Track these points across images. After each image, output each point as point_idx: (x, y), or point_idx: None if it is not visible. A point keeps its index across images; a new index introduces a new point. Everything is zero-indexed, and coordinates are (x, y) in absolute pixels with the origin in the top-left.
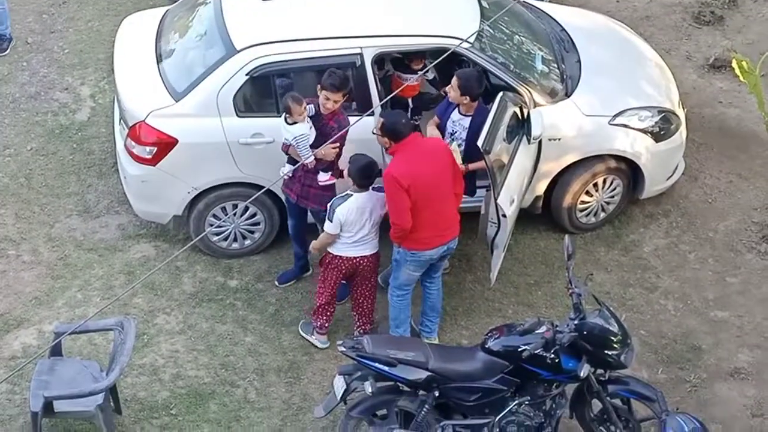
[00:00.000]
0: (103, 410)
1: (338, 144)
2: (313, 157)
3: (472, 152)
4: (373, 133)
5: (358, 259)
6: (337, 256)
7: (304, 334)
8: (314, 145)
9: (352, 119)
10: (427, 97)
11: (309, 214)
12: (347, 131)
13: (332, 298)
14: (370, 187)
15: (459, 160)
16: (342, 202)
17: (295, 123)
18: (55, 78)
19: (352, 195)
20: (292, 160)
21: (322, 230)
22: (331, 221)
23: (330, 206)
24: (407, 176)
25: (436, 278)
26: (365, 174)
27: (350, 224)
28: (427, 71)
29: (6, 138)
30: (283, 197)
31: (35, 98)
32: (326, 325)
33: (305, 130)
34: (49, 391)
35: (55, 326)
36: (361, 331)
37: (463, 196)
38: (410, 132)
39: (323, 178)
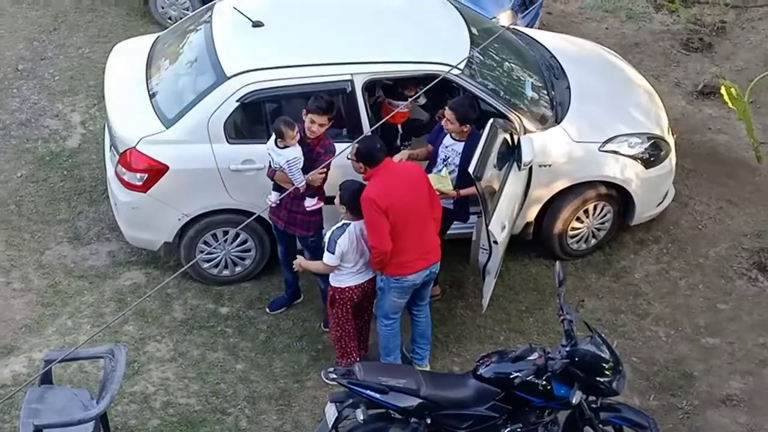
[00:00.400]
0: None
1: (325, 170)
2: (304, 181)
3: (465, 177)
4: (348, 159)
5: (364, 285)
6: (347, 288)
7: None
8: (304, 172)
9: (342, 145)
10: (418, 123)
11: (296, 240)
12: (333, 156)
13: (353, 332)
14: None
15: (450, 186)
16: (342, 233)
17: (287, 147)
18: (46, 105)
19: (350, 224)
20: (278, 187)
21: (309, 257)
22: (333, 253)
23: (330, 238)
24: (384, 198)
25: (423, 306)
26: (358, 199)
27: (352, 253)
28: (417, 98)
29: None
30: (271, 224)
31: (26, 125)
32: (357, 359)
33: (298, 153)
34: (39, 419)
35: (46, 354)
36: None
37: (456, 222)
38: (384, 157)
39: (310, 203)
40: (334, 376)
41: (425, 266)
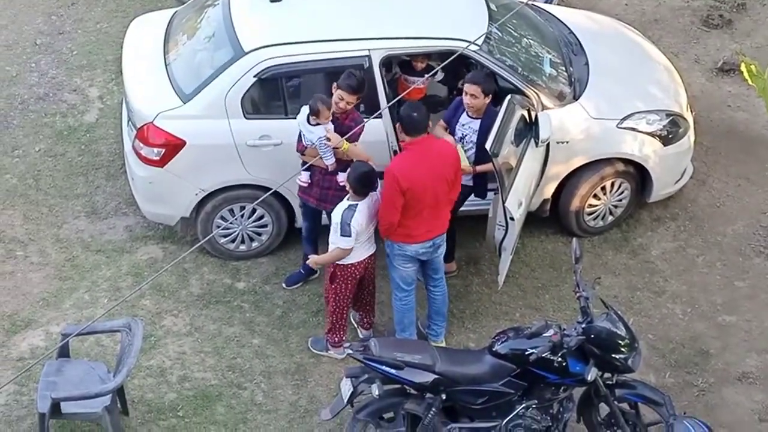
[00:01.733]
0: (110, 412)
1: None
2: (333, 159)
3: (482, 154)
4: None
5: (366, 260)
6: (350, 264)
7: (318, 352)
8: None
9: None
10: (435, 99)
11: (323, 216)
12: (363, 127)
13: (347, 309)
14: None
15: (466, 162)
16: (353, 214)
17: (318, 124)
18: (64, 79)
19: (357, 204)
20: (308, 167)
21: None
22: (349, 236)
23: (341, 221)
24: (407, 178)
25: (439, 281)
26: (364, 182)
27: (365, 228)
28: (434, 74)
29: (15, 139)
30: (297, 202)
31: (44, 99)
32: (343, 338)
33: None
34: (57, 392)
35: (63, 327)
36: (368, 326)
37: (472, 198)
38: (423, 130)
39: (342, 178)
40: (350, 351)
41: (428, 238)
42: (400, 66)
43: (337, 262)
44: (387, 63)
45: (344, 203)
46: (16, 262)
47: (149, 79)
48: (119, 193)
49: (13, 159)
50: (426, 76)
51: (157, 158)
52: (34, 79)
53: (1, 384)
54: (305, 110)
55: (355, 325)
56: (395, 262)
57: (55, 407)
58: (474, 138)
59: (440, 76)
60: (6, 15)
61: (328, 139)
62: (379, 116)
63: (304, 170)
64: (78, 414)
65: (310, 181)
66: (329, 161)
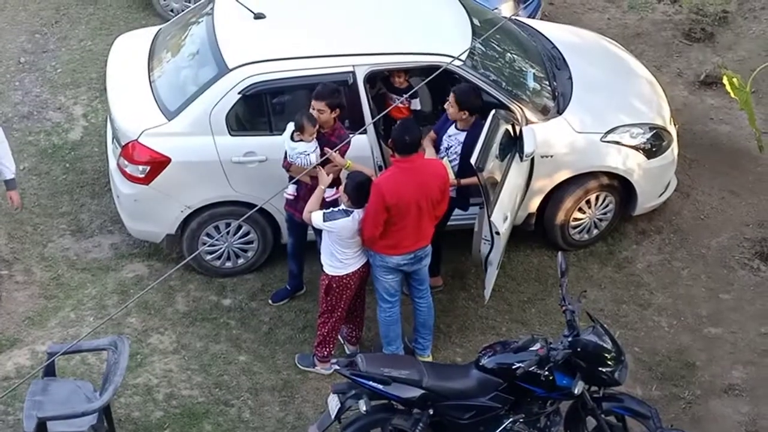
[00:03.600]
0: (97, 430)
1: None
2: (329, 180)
3: (466, 167)
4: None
5: (360, 269)
6: (346, 275)
7: (305, 368)
8: (321, 164)
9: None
10: (420, 114)
11: (308, 231)
12: (349, 143)
13: (339, 324)
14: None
15: (452, 175)
16: (342, 217)
17: (301, 141)
18: (48, 97)
19: (353, 211)
20: (295, 180)
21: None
22: (325, 222)
23: (330, 212)
24: (394, 195)
25: (425, 293)
26: (362, 191)
27: (351, 239)
28: (413, 92)
29: None
30: (284, 217)
31: (28, 118)
32: (332, 352)
33: (308, 148)
34: (43, 411)
35: (48, 346)
36: (355, 341)
37: (456, 210)
38: (415, 151)
39: (329, 193)
40: (337, 367)
41: (411, 250)
42: (383, 82)
43: (332, 274)
44: (372, 79)
45: (341, 206)
46: (0, 281)
47: (134, 97)
48: (104, 211)
49: None
50: (404, 96)
51: (143, 176)
52: (18, 97)
53: None
54: (290, 127)
55: (342, 341)
56: (377, 273)
57: (41, 427)
58: (458, 149)
59: (417, 103)
60: None
61: (321, 153)
62: (364, 132)
63: (291, 183)
64: None
65: (296, 194)
66: (325, 184)
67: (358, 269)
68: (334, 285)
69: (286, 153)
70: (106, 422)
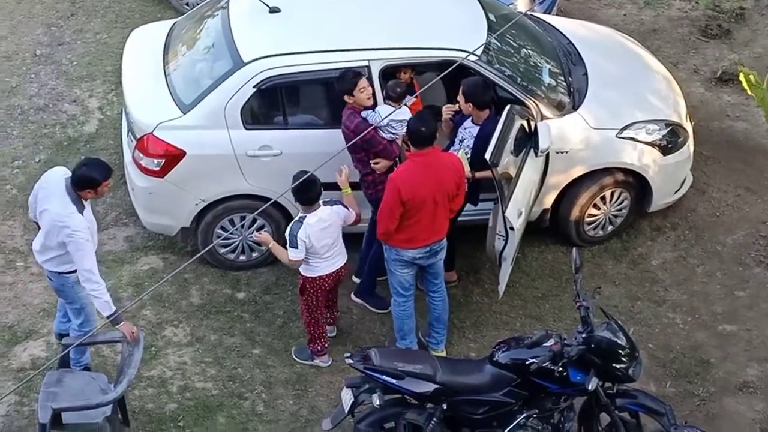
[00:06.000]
0: (111, 422)
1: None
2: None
3: (478, 160)
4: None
5: (335, 272)
6: (318, 277)
7: (302, 361)
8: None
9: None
10: (434, 109)
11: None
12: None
13: (323, 320)
14: (321, 202)
15: (467, 168)
16: (300, 227)
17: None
18: (64, 90)
19: (306, 217)
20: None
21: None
22: (296, 248)
23: (290, 233)
24: (409, 190)
25: (439, 286)
26: (302, 191)
27: (318, 242)
28: (424, 90)
29: (15, 150)
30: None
31: (44, 110)
32: (326, 345)
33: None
34: (58, 402)
35: (63, 338)
36: (332, 321)
37: (467, 205)
38: (430, 143)
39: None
40: (351, 361)
41: (424, 244)
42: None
43: (306, 275)
44: (387, 73)
45: (297, 216)
46: (16, 272)
47: (149, 90)
48: (119, 204)
49: (13, 170)
50: (418, 92)
51: (157, 169)
52: (34, 89)
53: (2, 394)
54: (385, 107)
55: None
56: (392, 266)
57: (56, 418)
58: (471, 142)
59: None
60: (5, 26)
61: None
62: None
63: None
64: (79, 424)
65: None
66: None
67: (333, 272)
68: (308, 286)
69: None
70: (120, 414)
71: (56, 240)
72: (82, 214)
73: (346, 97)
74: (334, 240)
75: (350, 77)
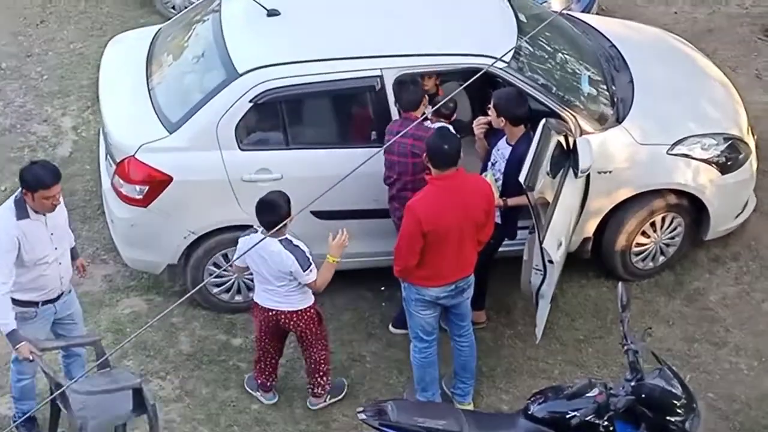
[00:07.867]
0: None
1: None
2: None
3: (509, 186)
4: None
5: (274, 313)
6: (255, 302)
7: (249, 390)
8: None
9: (370, 150)
10: (459, 124)
11: None
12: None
13: (264, 354)
14: (287, 238)
15: (497, 194)
16: (246, 235)
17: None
18: (33, 108)
19: (257, 231)
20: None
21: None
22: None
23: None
24: (431, 221)
25: (466, 329)
26: (260, 211)
27: (253, 266)
28: (438, 107)
29: None
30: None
31: (10, 131)
32: (267, 383)
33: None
34: None
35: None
36: (311, 390)
37: (504, 239)
38: (454, 164)
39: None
40: (364, 416)
41: (451, 281)
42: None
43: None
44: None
45: (277, 245)
46: None
47: (130, 107)
48: (96, 238)
49: None
50: (436, 105)
51: (140, 197)
52: None
53: None
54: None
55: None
56: (412, 307)
57: None
58: (502, 166)
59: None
60: None
61: None
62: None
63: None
64: None
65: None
66: None
67: (267, 308)
68: (253, 307)
69: None
70: None
71: None
72: (24, 219)
73: (405, 113)
74: (267, 277)
75: (413, 88)
